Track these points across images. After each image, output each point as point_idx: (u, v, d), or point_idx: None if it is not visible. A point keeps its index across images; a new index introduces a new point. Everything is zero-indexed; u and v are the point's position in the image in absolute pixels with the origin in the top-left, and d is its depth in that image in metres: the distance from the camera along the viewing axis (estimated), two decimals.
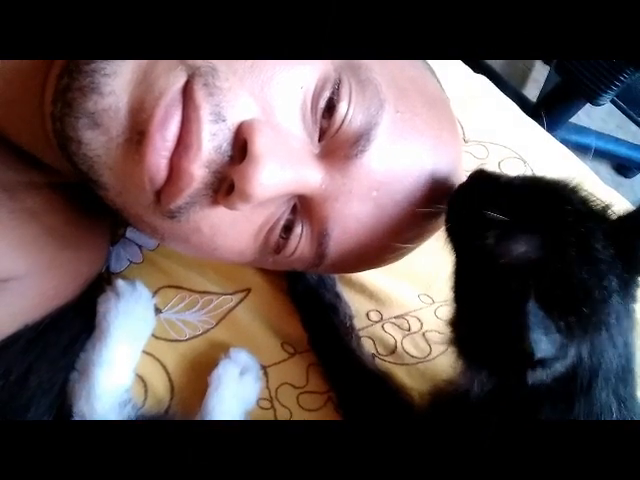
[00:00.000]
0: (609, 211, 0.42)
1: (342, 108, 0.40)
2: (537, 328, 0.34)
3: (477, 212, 0.40)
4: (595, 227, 0.39)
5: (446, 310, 0.62)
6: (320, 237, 0.44)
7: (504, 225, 0.39)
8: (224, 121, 0.37)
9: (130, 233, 0.62)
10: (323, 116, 0.40)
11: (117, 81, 0.37)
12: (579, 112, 1.28)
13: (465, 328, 0.43)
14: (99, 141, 0.38)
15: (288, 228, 0.44)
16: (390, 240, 0.46)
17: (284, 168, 0.39)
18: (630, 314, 0.41)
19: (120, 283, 0.56)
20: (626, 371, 0.41)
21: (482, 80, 0.79)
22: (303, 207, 0.43)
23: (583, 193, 0.42)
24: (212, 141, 0.37)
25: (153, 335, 0.57)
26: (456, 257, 0.44)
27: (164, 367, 0.57)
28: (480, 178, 0.44)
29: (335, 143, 0.41)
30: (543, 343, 0.35)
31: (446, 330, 0.45)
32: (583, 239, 0.39)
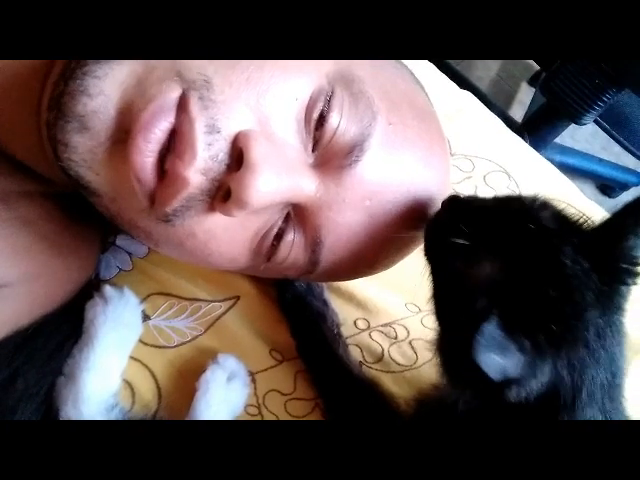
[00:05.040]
0: (584, 224, 0.42)
1: (333, 119, 0.41)
2: (485, 350, 0.35)
3: (447, 240, 0.42)
4: (562, 243, 0.40)
5: (432, 319, 0.63)
6: (313, 245, 0.45)
7: (470, 249, 0.41)
8: (219, 132, 0.38)
9: (120, 241, 0.63)
10: (317, 127, 0.41)
11: (107, 82, 0.38)
12: (564, 134, 1.30)
13: (446, 350, 0.44)
14: (85, 145, 0.39)
15: (280, 236, 0.44)
16: (381, 249, 0.47)
17: (280, 176, 0.40)
18: (616, 327, 0.40)
19: (108, 289, 0.56)
20: (612, 386, 0.41)
21: (468, 95, 0.81)
22: (297, 215, 0.44)
23: (554, 208, 0.43)
24: (208, 150, 0.38)
25: (141, 341, 0.57)
26: (433, 281, 0.46)
27: (152, 373, 0.57)
28: (451, 205, 0.45)
29: (329, 153, 0.42)
30: (495, 364, 0.35)
31: (433, 352, 0.46)
32: (548, 257, 0.39)
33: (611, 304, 0.40)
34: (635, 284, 0.41)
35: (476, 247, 0.41)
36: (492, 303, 0.38)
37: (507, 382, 0.36)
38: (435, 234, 0.46)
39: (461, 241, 0.41)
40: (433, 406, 0.49)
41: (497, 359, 0.35)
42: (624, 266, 0.40)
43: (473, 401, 0.41)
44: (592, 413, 0.39)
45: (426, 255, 0.47)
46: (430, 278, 0.46)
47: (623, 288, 0.41)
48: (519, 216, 0.42)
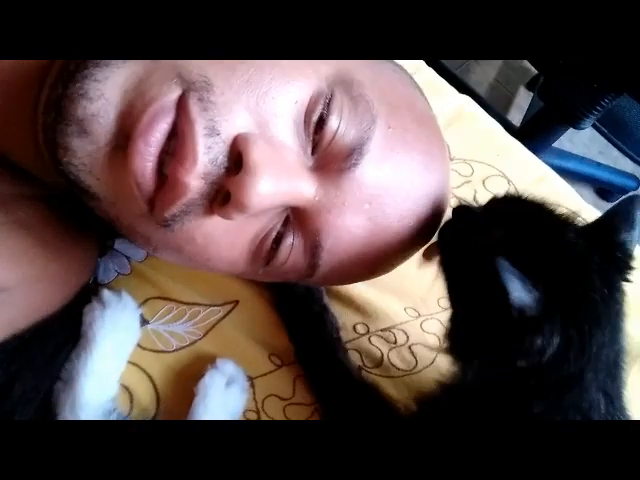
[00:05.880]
0: (577, 218, 0.45)
1: (332, 122, 0.41)
2: (507, 272, 0.36)
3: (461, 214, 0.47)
4: (563, 222, 0.43)
5: (432, 323, 0.63)
6: (313, 248, 0.45)
7: (481, 222, 0.45)
8: (218, 135, 0.38)
9: (118, 245, 0.62)
10: (316, 130, 0.41)
11: (108, 86, 0.38)
12: (562, 138, 1.31)
13: (461, 326, 0.46)
14: (85, 150, 0.38)
15: (280, 239, 0.44)
16: (381, 253, 0.47)
17: (279, 179, 0.39)
18: (619, 304, 0.42)
19: (106, 293, 0.56)
20: (616, 366, 0.42)
21: (467, 100, 0.81)
22: (296, 219, 0.44)
23: (551, 205, 0.45)
24: (208, 154, 0.38)
25: (139, 346, 0.57)
26: (445, 262, 0.48)
27: (150, 377, 0.56)
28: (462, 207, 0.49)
29: (328, 156, 0.42)
30: (516, 286, 0.36)
31: (442, 340, 0.47)
32: (551, 227, 0.42)
33: (612, 281, 0.42)
34: (628, 278, 0.43)
35: (487, 219, 0.44)
36: (503, 254, 0.39)
37: (524, 324, 0.37)
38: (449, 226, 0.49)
39: (474, 208, 0.47)
40: (436, 402, 0.49)
41: (518, 282, 0.37)
42: (619, 255, 0.43)
43: (481, 371, 0.42)
44: (595, 394, 0.40)
45: (440, 243, 0.49)
46: (442, 256, 0.48)
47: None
48: (524, 200, 0.46)
